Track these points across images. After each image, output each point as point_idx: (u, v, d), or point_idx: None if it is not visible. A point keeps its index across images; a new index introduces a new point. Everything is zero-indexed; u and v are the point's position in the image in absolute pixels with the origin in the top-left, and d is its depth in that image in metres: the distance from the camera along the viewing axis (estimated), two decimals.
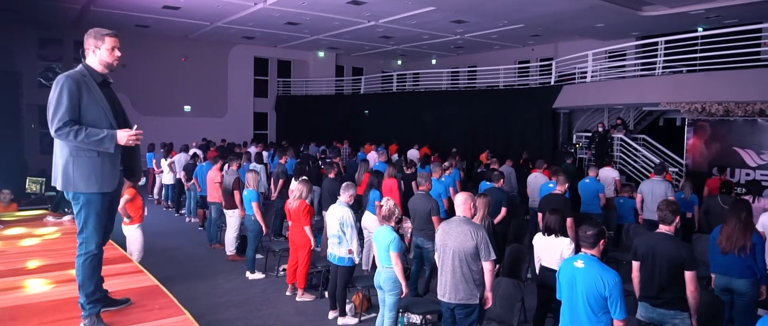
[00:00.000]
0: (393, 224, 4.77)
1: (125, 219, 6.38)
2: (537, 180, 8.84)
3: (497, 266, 5.39)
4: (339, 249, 5.53)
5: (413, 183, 9.96)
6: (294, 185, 8.74)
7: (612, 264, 7.28)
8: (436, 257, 4.27)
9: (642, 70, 13.14)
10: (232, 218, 7.88)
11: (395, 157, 14.88)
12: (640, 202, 7.68)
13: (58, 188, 3.22)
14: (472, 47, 21.26)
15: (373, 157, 14.12)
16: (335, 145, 16.93)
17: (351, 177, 11.20)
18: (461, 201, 4.13)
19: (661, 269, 3.87)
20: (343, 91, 23.16)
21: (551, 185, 7.64)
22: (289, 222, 6.38)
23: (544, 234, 4.89)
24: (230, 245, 7.96)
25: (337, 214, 5.52)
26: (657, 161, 11.93)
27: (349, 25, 17.01)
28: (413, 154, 14.82)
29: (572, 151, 13.91)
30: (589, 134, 14.42)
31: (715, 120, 10.61)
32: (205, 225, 9.14)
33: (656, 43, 11.95)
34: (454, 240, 4.01)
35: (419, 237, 6.14)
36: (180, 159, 11.34)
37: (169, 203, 12.24)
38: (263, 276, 7.18)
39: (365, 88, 22.11)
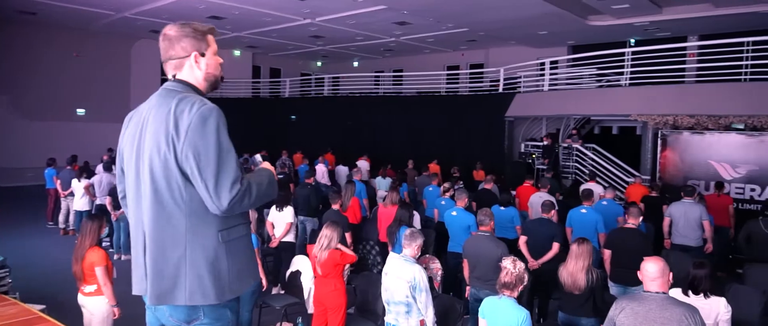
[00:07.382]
0: (516, 294, 3.56)
1: (85, 289, 4.46)
2: (542, 201, 7.97)
3: None
4: (407, 320, 4.17)
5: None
6: (275, 219, 7.10)
7: None
8: None
9: (607, 80, 12.98)
10: None
11: (343, 168, 13.48)
12: (668, 225, 7.11)
13: (191, 303, 1.90)
14: (401, 50, 20.37)
15: (322, 171, 12.69)
16: (263, 154, 15.06)
17: (305, 201, 9.05)
18: (657, 273, 3.03)
19: None
20: (260, 94, 21.19)
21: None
22: (313, 275, 4.88)
23: (686, 293, 3.93)
24: None
25: (406, 275, 4.13)
26: (634, 174, 11.69)
27: (281, 21, 15.32)
28: (363, 165, 13.54)
29: (529, 161, 13.48)
30: (541, 144, 14.06)
31: (690, 133, 10.54)
32: None
33: (623, 53, 11.75)
34: None
35: (483, 290, 4.94)
36: (102, 180, 9.00)
37: None
38: None
39: (287, 90, 20.36)
